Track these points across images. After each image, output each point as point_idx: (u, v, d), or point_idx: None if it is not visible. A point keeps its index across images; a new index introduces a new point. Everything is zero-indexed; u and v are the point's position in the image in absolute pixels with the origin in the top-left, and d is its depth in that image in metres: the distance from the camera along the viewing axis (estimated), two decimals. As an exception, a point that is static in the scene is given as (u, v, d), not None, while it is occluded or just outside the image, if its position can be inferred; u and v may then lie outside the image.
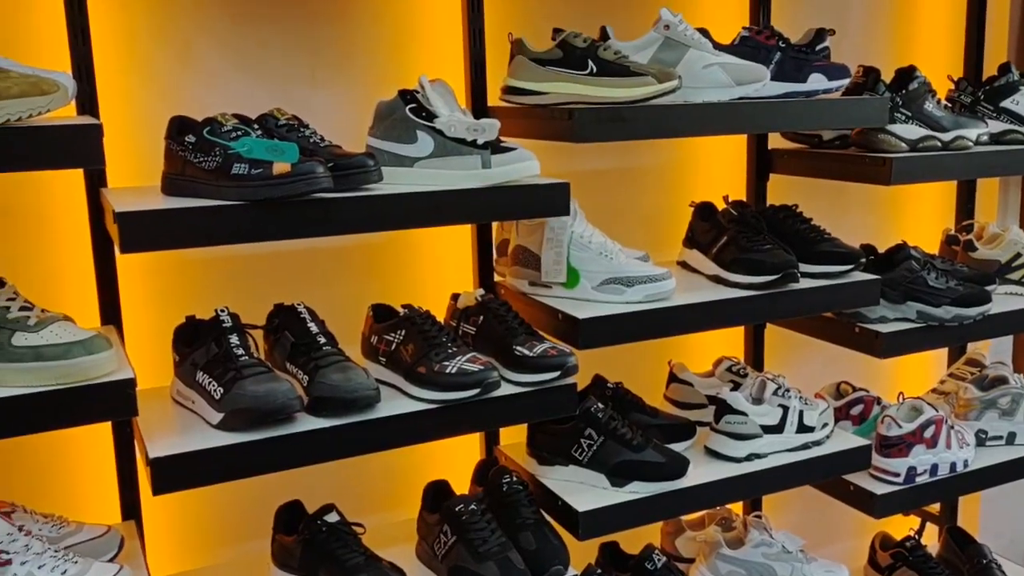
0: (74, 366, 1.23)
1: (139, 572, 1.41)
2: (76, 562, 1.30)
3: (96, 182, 1.51)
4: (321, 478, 1.76)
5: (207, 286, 1.72)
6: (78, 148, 1.17)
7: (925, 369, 2.53)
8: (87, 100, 1.49)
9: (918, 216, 2.50)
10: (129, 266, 1.61)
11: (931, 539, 2.40)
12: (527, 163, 1.48)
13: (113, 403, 1.26)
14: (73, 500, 1.64)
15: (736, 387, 1.91)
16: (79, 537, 1.43)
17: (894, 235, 2.30)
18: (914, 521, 2.45)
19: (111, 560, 1.41)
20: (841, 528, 2.48)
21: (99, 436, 1.61)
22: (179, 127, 1.38)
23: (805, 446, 1.86)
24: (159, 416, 1.45)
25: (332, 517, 1.57)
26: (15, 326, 1.24)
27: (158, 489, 1.30)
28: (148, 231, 1.25)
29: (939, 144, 1.89)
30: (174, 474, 1.31)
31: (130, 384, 1.26)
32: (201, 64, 1.67)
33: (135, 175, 1.59)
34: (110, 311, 1.56)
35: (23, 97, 1.15)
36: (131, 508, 1.61)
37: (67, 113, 1.37)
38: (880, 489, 1.95)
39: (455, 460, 1.92)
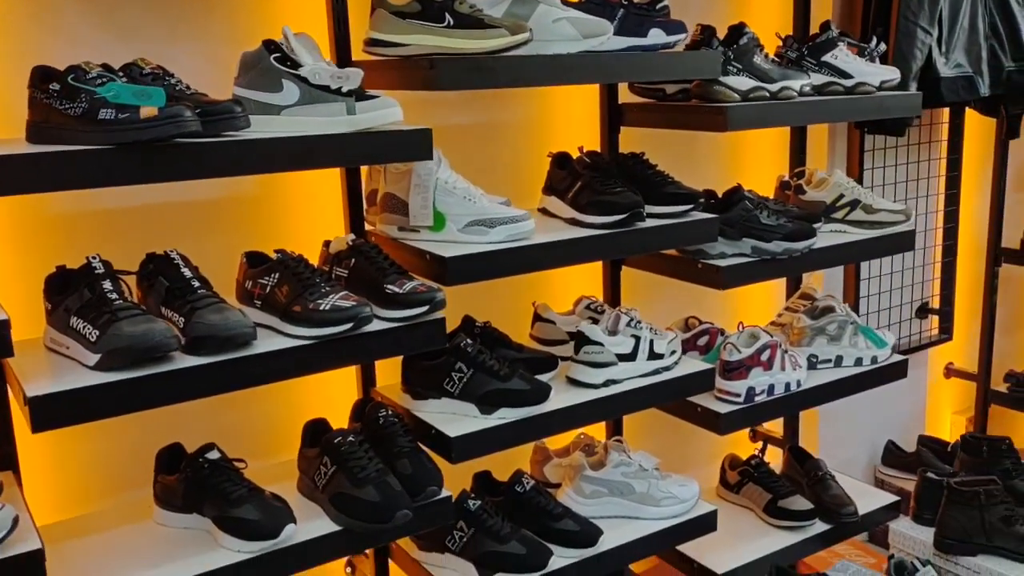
0: (-55, 308, 1.25)
1: (21, 514, 1.43)
2: (-44, 504, 1.32)
3: (-45, 133, 1.50)
4: (200, 427, 1.81)
5: (76, 242, 1.72)
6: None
7: (766, 305, 2.77)
8: (-59, 51, 1.48)
9: (758, 165, 2.72)
10: (-7, 221, 1.61)
11: (777, 460, 2.65)
12: (390, 109, 1.57)
13: (-13, 344, 1.28)
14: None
15: (595, 323, 2.06)
16: (-45, 484, 1.44)
17: (737, 182, 2.50)
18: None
19: (-10, 504, 1.43)
20: (696, 455, 2.70)
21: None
22: (42, 76, 1.39)
23: (656, 372, 2.04)
24: (33, 363, 1.47)
25: (213, 454, 1.63)
26: None
27: (37, 426, 1.33)
28: (16, 175, 1.27)
29: (767, 94, 2.08)
30: (53, 412, 1.34)
31: (5, 325, 1.29)
32: (57, 20, 1.67)
33: (-4, 129, 1.59)
34: (-25, 264, 1.56)
35: None
36: (6, 459, 1.62)
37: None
38: (724, 409, 2.15)
39: (334, 404, 2.00)
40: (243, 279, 1.68)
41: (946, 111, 3.10)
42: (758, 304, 2.77)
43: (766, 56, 2.13)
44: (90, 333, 1.42)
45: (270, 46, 1.57)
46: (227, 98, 1.52)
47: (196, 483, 1.61)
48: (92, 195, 1.73)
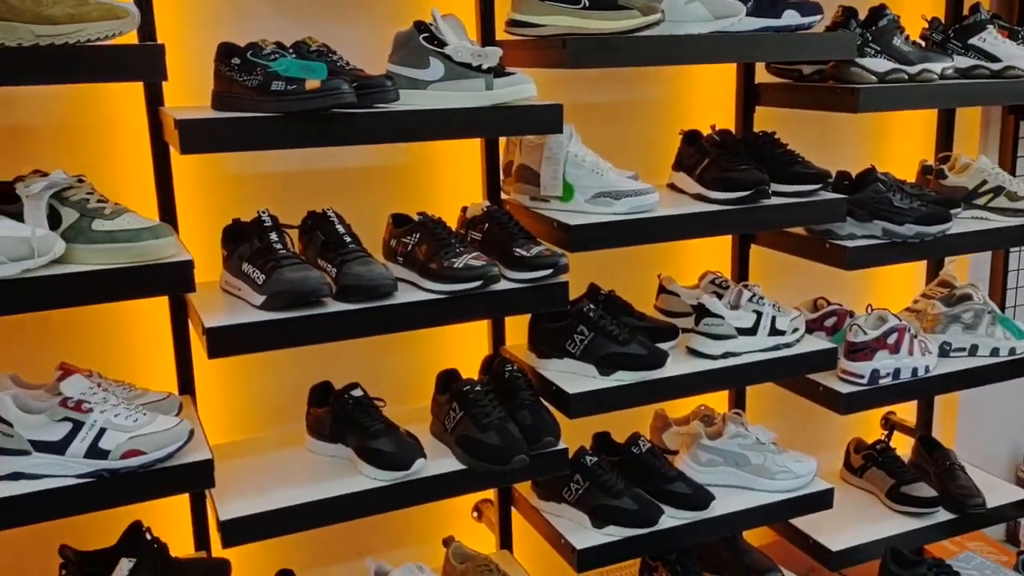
0: (143, 248, 1.49)
1: (196, 429, 1.67)
2: (145, 414, 1.57)
3: (155, 101, 1.75)
4: (348, 369, 2.02)
5: (249, 200, 1.95)
6: (147, 63, 1.42)
7: (904, 291, 2.73)
8: (147, 30, 1.72)
9: (905, 150, 2.68)
10: (183, 181, 1.86)
11: (908, 450, 2.61)
12: (525, 86, 1.71)
13: (175, 280, 1.52)
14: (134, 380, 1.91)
15: (718, 297, 2.13)
16: (145, 399, 1.70)
17: (878, 166, 2.48)
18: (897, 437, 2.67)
19: (172, 419, 1.68)
20: (822, 439, 2.71)
21: (157, 321, 1.88)
22: (226, 51, 1.61)
23: (776, 347, 2.09)
24: (211, 301, 1.71)
25: (357, 392, 1.83)
26: (94, 214, 1.50)
27: (212, 353, 1.56)
28: (202, 136, 1.50)
29: (906, 76, 2.07)
30: (225, 342, 1.57)
31: (189, 264, 1.52)
32: (244, 3, 1.90)
33: (186, 99, 1.83)
34: (167, 216, 1.81)
35: (101, 21, 1.39)
36: (186, 384, 1.88)
37: (128, 41, 1.61)
38: (846, 389, 2.17)
39: (466, 358, 2.17)
40: (388, 237, 1.87)
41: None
42: (895, 290, 2.74)
43: (907, 38, 2.11)
44: (258, 277, 1.64)
45: (420, 26, 1.73)
46: (381, 73, 1.70)
47: (341, 416, 1.82)
48: (264, 159, 1.97)
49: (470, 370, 2.06)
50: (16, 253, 1.40)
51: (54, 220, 1.50)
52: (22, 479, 1.51)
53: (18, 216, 1.47)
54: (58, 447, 1.50)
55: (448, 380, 1.95)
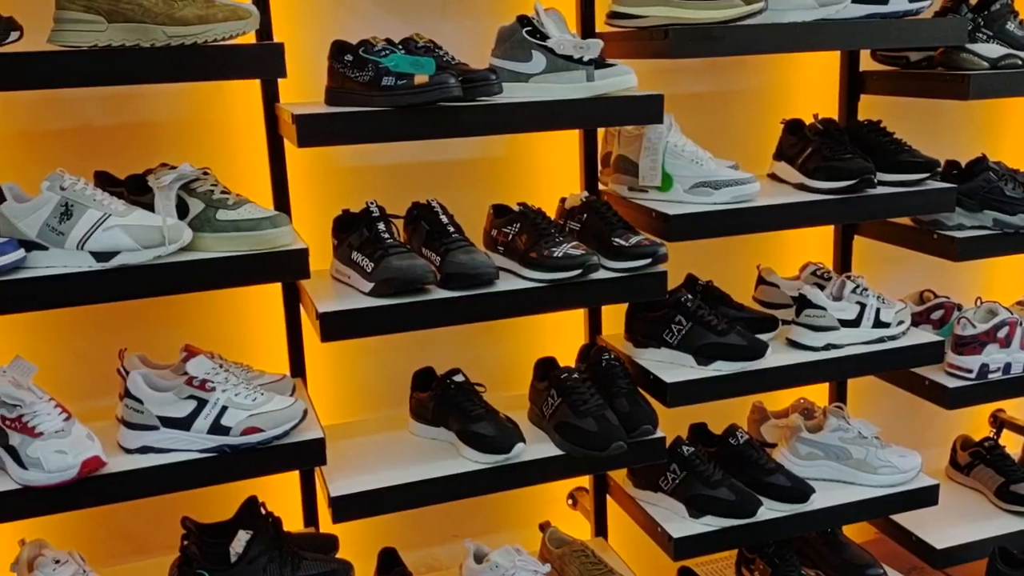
0: (264, 236, 1.57)
1: (309, 410, 1.75)
2: (263, 394, 1.66)
3: (271, 97, 1.84)
4: (450, 356, 2.08)
5: (357, 192, 2.03)
6: (268, 62, 1.50)
7: (1015, 284, 2.64)
8: (264, 30, 1.81)
9: (1017, 138, 2.59)
10: (295, 174, 1.94)
11: (1018, 449, 2.53)
12: (626, 76, 1.73)
13: (293, 267, 1.60)
14: (249, 362, 2.01)
15: (820, 288, 2.10)
16: (262, 380, 1.79)
17: (989, 155, 2.40)
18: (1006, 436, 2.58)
19: (286, 400, 1.76)
20: (927, 436, 2.64)
21: (271, 306, 1.97)
22: (339, 49, 1.68)
23: (880, 340, 2.05)
24: (322, 288, 1.79)
25: (459, 377, 1.89)
26: (218, 204, 1.59)
27: (325, 337, 1.63)
28: (319, 130, 1.57)
29: (1019, 62, 2.01)
30: (338, 326, 1.64)
31: (305, 253, 1.60)
32: (351, 2, 1.97)
33: (298, 95, 1.91)
34: (281, 207, 1.90)
35: (227, 21, 1.47)
36: (298, 367, 1.97)
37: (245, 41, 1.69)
38: (953, 383, 2.11)
39: (563, 347, 2.20)
40: (489, 228, 1.92)
41: None
42: (1006, 283, 2.64)
43: (1021, 23, 2.04)
44: (367, 265, 1.71)
45: (523, 20, 1.77)
46: (484, 67, 1.74)
47: (444, 400, 1.87)
48: (371, 152, 2.04)
49: (567, 359, 2.09)
50: (148, 241, 1.50)
51: (182, 210, 1.60)
52: (150, 453, 1.61)
53: (149, 206, 1.58)
54: (184, 423, 1.60)
55: (546, 368, 1.99)
